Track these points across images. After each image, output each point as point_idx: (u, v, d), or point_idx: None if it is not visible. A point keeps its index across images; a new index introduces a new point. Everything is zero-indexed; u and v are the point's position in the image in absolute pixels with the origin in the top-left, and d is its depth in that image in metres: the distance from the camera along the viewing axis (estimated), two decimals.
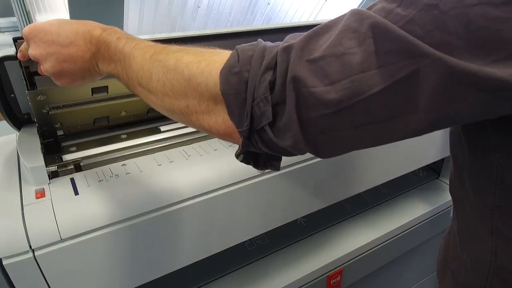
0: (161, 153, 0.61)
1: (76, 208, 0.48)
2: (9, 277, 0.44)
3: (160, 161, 0.58)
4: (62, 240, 0.46)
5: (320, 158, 0.33)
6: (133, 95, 0.65)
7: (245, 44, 0.34)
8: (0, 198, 0.50)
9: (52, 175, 0.55)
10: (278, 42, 0.33)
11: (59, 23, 0.43)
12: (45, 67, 0.44)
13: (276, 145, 0.32)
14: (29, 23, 1.63)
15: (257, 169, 0.38)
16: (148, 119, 0.73)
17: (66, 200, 0.49)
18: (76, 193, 0.50)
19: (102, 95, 0.62)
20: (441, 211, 1.01)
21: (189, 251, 0.58)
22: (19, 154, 0.55)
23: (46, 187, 0.51)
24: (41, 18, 1.57)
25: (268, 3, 1.21)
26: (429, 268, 1.17)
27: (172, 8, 1.08)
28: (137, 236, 0.51)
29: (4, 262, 0.43)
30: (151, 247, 0.53)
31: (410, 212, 0.94)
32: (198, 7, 1.11)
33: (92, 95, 0.61)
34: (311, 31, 0.31)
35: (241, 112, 0.32)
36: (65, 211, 0.47)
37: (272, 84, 0.30)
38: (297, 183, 0.65)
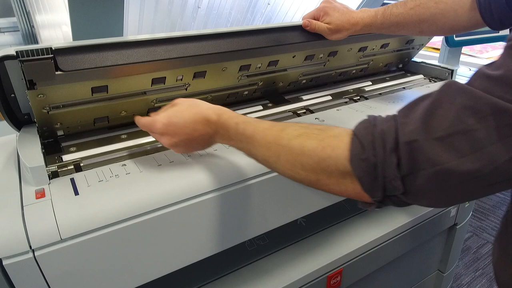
0: (161, 153, 0.61)
1: (76, 208, 0.48)
2: (9, 277, 0.44)
3: (160, 161, 0.58)
4: (62, 240, 0.46)
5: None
6: (133, 94, 0.65)
7: (360, 126, 0.40)
8: (0, 198, 0.50)
9: (52, 175, 0.54)
10: (389, 117, 0.39)
11: (181, 118, 0.53)
12: (178, 150, 0.56)
13: (407, 203, 0.39)
14: (29, 24, 1.63)
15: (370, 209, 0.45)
16: None
17: (66, 200, 0.49)
18: (76, 193, 0.50)
19: (102, 95, 0.62)
20: (441, 211, 1.01)
21: (189, 251, 0.58)
22: (19, 154, 0.55)
23: (46, 187, 0.51)
24: (41, 18, 1.56)
25: (268, 3, 1.21)
26: (429, 268, 1.17)
27: (172, 8, 1.08)
28: (137, 236, 0.51)
29: (4, 262, 0.43)
30: (151, 247, 0.53)
31: (410, 212, 0.94)
32: (198, 7, 1.11)
33: (92, 95, 0.61)
34: (423, 111, 0.36)
35: (374, 187, 0.38)
36: (65, 211, 0.47)
37: (398, 163, 0.36)
38: (297, 183, 0.65)
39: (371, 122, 0.39)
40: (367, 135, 0.38)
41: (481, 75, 0.34)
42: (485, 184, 0.35)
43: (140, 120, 0.56)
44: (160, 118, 0.53)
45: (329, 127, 0.43)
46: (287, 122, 0.48)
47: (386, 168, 0.36)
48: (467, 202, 1.09)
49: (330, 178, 0.41)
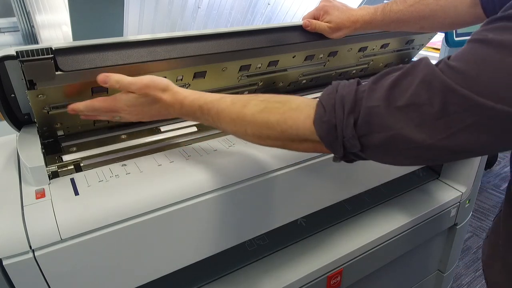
0: (161, 153, 0.61)
1: (76, 208, 0.48)
2: (9, 278, 0.44)
3: (160, 161, 0.58)
4: (62, 241, 0.46)
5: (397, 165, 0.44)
6: None
7: (324, 92, 0.45)
8: (0, 198, 0.50)
9: (52, 175, 0.54)
10: (351, 84, 0.43)
11: (143, 109, 0.56)
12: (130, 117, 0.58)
13: (366, 159, 0.44)
14: (29, 24, 1.63)
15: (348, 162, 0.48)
16: None
17: (66, 200, 0.49)
18: (76, 193, 0.50)
19: (102, 94, 0.62)
20: (441, 211, 1.01)
21: (189, 252, 0.58)
22: (19, 155, 0.55)
23: (46, 187, 0.51)
24: (41, 18, 1.56)
25: (268, 4, 1.22)
26: (429, 268, 1.17)
27: (172, 9, 1.09)
28: (137, 236, 0.51)
29: (4, 263, 0.43)
30: (151, 247, 0.53)
31: (410, 213, 0.94)
32: (198, 7, 1.11)
33: (92, 95, 0.61)
34: (391, 81, 0.39)
35: (335, 146, 0.43)
36: (65, 211, 0.47)
37: (355, 124, 0.40)
38: (297, 183, 0.65)
39: (334, 88, 0.44)
40: (329, 100, 0.43)
41: (444, 62, 0.37)
42: (430, 154, 0.39)
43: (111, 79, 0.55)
44: (123, 102, 0.55)
45: (288, 99, 0.48)
46: (248, 95, 0.51)
47: (345, 128, 0.41)
48: (467, 202, 1.09)
49: (293, 143, 0.47)
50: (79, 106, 0.56)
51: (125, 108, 0.56)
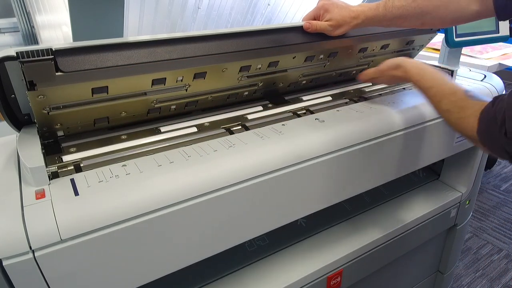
0: (161, 153, 0.61)
1: (76, 209, 0.48)
2: (9, 278, 0.44)
3: (160, 161, 0.58)
4: (62, 241, 0.46)
5: None
6: (133, 95, 0.65)
7: (486, 107, 0.57)
8: (0, 198, 0.50)
9: (52, 176, 0.54)
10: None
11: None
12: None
13: None
14: (30, 24, 1.63)
15: None
16: (148, 120, 0.73)
17: (66, 201, 0.49)
18: (76, 193, 0.50)
19: (102, 95, 0.62)
20: (441, 212, 1.01)
21: (189, 252, 0.58)
22: (19, 155, 0.55)
23: (46, 187, 0.51)
24: (41, 18, 1.56)
25: (268, 4, 1.21)
26: (429, 269, 1.17)
27: (172, 9, 1.08)
28: (137, 237, 0.51)
29: (4, 263, 0.43)
30: (151, 248, 0.53)
31: (410, 213, 0.94)
32: (198, 8, 1.11)
33: (92, 96, 0.61)
34: None
35: (500, 153, 0.54)
36: (65, 212, 0.47)
37: (506, 133, 0.52)
38: (297, 184, 0.65)
39: (491, 103, 0.56)
40: (487, 114, 0.55)
41: None
42: None
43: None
44: (379, 81, 0.87)
45: (465, 107, 0.60)
46: (448, 90, 0.65)
47: (501, 139, 0.52)
48: (467, 203, 1.09)
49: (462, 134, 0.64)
50: (363, 76, 0.85)
51: (383, 81, 0.85)
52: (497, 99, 0.55)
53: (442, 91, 0.66)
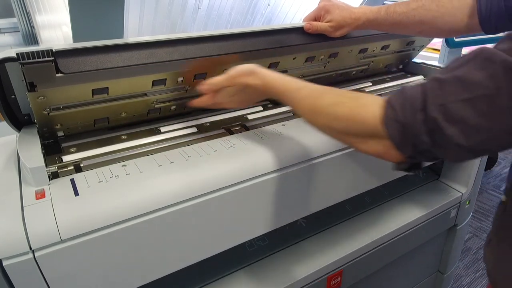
0: (161, 154, 0.61)
1: (76, 209, 0.48)
2: (9, 278, 0.44)
3: (160, 162, 0.58)
4: (62, 241, 0.46)
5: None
6: (133, 96, 0.65)
7: (392, 95, 0.46)
8: (0, 199, 0.50)
9: (52, 176, 0.55)
10: (417, 84, 0.44)
11: (235, 94, 0.65)
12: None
13: (435, 157, 0.45)
14: (30, 24, 1.63)
15: (407, 172, 0.50)
16: (148, 120, 0.73)
17: (66, 201, 0.49)
18: (76, 193, 0.50)
19: (103, 96, 0.62)
20: (441, 212, 1.01)
21: (189, 252, 0.58)
22: (19, 155, 0.55)
23: (46, 187, 0.51)
24: (41, 19, 1.56)
25: (268, 4, 1.21)
26: (429, 269, 1.17)
27: (172, 9, 1.08)
28: (137, 237, 0.51)
29: (4, 263, 0.43)
30: (151, 248, 0.53)
31: (410, 213, 0.94)
32: (198, 8, 1.11)
33: (93, 96, 0.61)
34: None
35: (405, 144, 0.44)
36: (65, 212, 0.47)
37: (425, 120, 0.41)
38: (297, 184, 0.65)
39: (400, 91, 0.45)
40: (397, 100, 0.44)
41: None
42: (499, 142, 0.40)
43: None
44: (223, 96, 0.66)
45: (359, 96, 0.50)
46: (323, 87, 0.55)
47: (415, 126, 0.42)
48: (467, 203, 1.09)
49: (358, 139, 0.49)
50: (195, 103, 0.68)
51: (228, 99, 0.66)
52: (404, 89, 0.46)
53: (319, 88, 0.55)
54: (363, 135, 0.48)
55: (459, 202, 1.05)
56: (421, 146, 0.43)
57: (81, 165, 0.59)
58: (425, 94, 0.42)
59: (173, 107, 0.73)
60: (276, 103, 0.85)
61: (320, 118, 0.53)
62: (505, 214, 0.58)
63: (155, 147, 0.65)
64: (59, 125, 0.64)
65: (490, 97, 0.38)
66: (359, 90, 0.96)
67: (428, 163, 0.49)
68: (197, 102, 0.68)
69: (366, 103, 0.48)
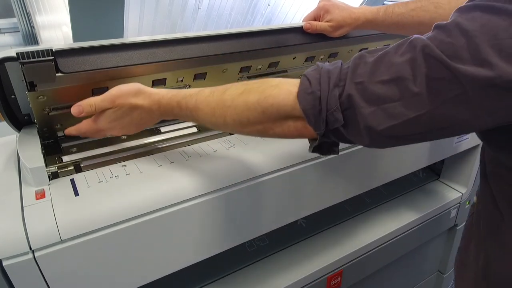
0: (161, 154, 0.61)
1: (76, 209, 0.48)
2: (9, 278, 0.44)
3: (160, 162, 0.58)
4: (62, 241, 0.46)
5: (377, 148, 0.44)
6: None
7: (309, 69, 0.44)
8: (0, 199, 0.50)
9: (52, 176, 0.55)
10: (336, 63, 0.43)
11: (122, 120, 0.55)
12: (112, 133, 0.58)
13: (346, 138, 0.43)
14: (30, 24, 1.63)
15: (322, 155, 0.48)
16: None
17: (66, 201, 0.49)
18: (76, 194, 0.50)
19: None
20: (441, 212, 1.01)
21: (189, 253, 0.58)
22: (19, 155, 0.55)
23: (46, 188, 0.51)
24: (41, 19, 1.56)
25: (268, 4, 1.22)
26: (429, 269, 1.17)
27: (172, 9, 1.09)
28: (137, 237, 0.51)
29: (4, 263, 0.43)
30: (150, 248, 0.53)
31: (410, 213, 0.94)
32: (198, 8, 1.11)
33: (93, 96, 0.61)
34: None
35: (318, 120, 0.42)
36: (65, 212, 0.47)
37: (340, 96, 0.40)
38: (297, 184, 0.65)
39: (319, 66, 0.44)
40: (315, 74, 0.43)
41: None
42: (409, 130, 0.39)
43: (81, 127, 0.57)
44: (104, 121, 0.55)
45: (267, 79, 0.47)
46: (228, 84, 0.50)
47: (329, 100, 0.41)
48: (467, 203, 1.09)
49: (274, 124, 0.46)
50: (71, 131, 0.58)
51: (109, 125, 0.56)
52: (324, 64, 0.45)
53: (221, 86, 0.50)
54: (279, 117, 0.45)
55: (459, 202, 1.05)
56: (334, 124, 0.41)
57: (81, 165, 0.59)
58: (344, 71, 0.41)
59: None
60: None
61: (229, 113, 0.47)
62: (472, 217, 0.58)
63: (155, 147, 0.65)
64: (59, 125, 0.64)
65: (406, 81, 0.37)
66: None
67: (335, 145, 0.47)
68: (73, 130, 0.58)
69: (278, 83, 0.45)
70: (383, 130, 0.39)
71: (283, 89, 0.44)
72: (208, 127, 0.52)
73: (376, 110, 0.38)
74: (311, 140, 0.47)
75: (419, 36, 0.38)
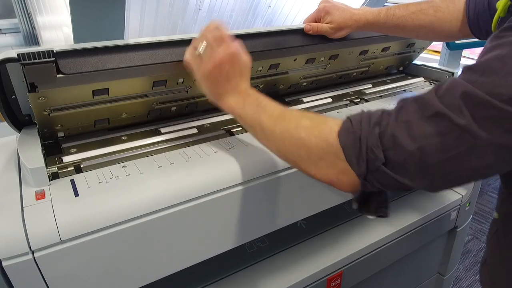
0: (161, 154, 0.61)
1: (76, 210, 0.48)
2: (8, 279, 0.44)
3: (160, 162, 0.58)
4: (62, 242, 0.46)
5: (430, 192, 0.45)
6: (134, 97, 0.65)
7: (353, 114, 0.45)
8: (0, 199, 0.50)
9: (52, 177, 0.55)
10: (380, 109, 0.43)
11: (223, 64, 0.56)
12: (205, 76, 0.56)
13: (389, 181, 0.41)
14: (31, 25, 1.63)
15: (369, 215, 0.48)
16: (148, 121, 0.73)
17: (66, 202, 0.49)
18: (76, 194, 0.50)
19: (103, 97, 0.62)
20: (441, 214, 1.00)
21: (189, 253, 0.58)
22: (20, 156, 0.55)
23: (46, 188, 0.51)
24: (42, 19, 1.57)
25: (269, 6, 1.22)
26: (429, 271, 1.17)
27: (173, 10, 1.09)
28: (137, 238, 0.51)
29: (4, 264, 0.43)
30: (150, 249, 0.53)
31: (410, 215, 0.94)
32: (199, 9, 1.11)
33: (93, 97, 0.61)
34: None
35: (358, 159, 0.41)
36: (65, 213, 0.47)
37: (381, 135, 0.40)
38: (297, 185, 0.65)
39: (363, 111, 0.45)
40: (356, 116, 0.44)
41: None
42: (461, 167, 0.38)
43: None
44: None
45: (319, 117, 0.49)
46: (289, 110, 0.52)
47: (369, 138, 0.41)
48: (467, 205, 1.09)
49: (310, 159, 0.46)
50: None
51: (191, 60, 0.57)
52: (367, 110, 0.45)
53: (278, 108, 0.52)
54: (317, 153, 0.45)
55: (459, 204, 1.05)
56: (374, 163, 0.40)
57: (81, 165, 0.59)
58: (386, 112, 0.42)
59: (174, 108, 0.73)
60: None
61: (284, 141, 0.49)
62: (498, 233, 0.57)
63: (156, 148, 0.65)
64: (59, 125, 0.64)
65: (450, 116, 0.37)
66: (360, 91, 0.96)
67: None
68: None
69: (325, 121, 0.47)
70: (430, 167, 0.39)
71: (328, 125, 0.45)
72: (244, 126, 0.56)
73: (422, 146, 0.38)
74: (354, 194, 0.46)
75: (458, 80, 0.39)
